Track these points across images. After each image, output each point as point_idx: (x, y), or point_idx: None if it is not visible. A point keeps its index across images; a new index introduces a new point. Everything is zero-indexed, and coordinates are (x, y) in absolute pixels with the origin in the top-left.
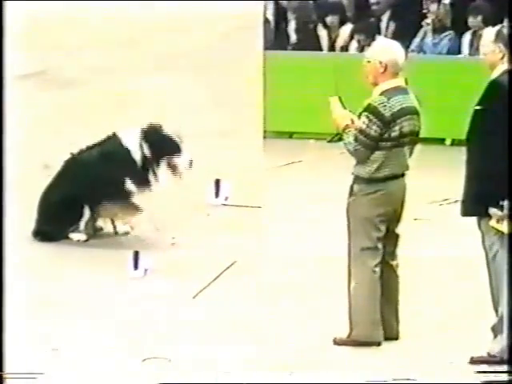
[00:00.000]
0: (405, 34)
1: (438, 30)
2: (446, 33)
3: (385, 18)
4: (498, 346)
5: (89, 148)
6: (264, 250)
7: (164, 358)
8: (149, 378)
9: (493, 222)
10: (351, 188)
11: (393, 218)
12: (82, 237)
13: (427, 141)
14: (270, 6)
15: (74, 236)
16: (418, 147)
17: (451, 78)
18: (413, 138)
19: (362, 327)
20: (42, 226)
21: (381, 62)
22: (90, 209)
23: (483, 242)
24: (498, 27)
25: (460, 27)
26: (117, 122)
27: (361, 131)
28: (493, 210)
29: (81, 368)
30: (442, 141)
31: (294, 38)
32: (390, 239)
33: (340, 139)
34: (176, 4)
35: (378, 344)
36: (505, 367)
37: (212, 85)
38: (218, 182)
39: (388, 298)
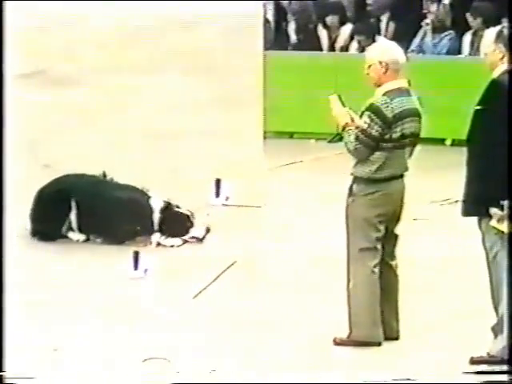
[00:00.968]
0: (405, 34)
1: (438, 30)
2: (446, 33)
3: (385, 18)
4: (498, 346)
5: (115, 181)
6: (264, 249)
7: (164, 359)
8: (149, 379)
9: (493, 222)
10: (350, 188)
11: (392, 219)
12: (81, 237)
13: (427, 141)
14: (270, 6)
15: (73, 236)
16: (419, 147)
17: (451, 79)
18: (413, 140)
19: (362, 327)
20: (36, 225)
21: (381, 63)
22: (76, 203)
23: (483, 242)
24: (498, 27)
25: (460, 27)
26: (116, 122)
27: (362, 130)
28: (493, 210)
29: (81, 368)
30: (442, 141)
31: (294, 38)
32: (389, 239)
33: (340, 139)
34: (176, 4)
35: (378, 344)
36: (505, 367)
37: (212, 85)
38: (218, 182)
39: (388, 298)
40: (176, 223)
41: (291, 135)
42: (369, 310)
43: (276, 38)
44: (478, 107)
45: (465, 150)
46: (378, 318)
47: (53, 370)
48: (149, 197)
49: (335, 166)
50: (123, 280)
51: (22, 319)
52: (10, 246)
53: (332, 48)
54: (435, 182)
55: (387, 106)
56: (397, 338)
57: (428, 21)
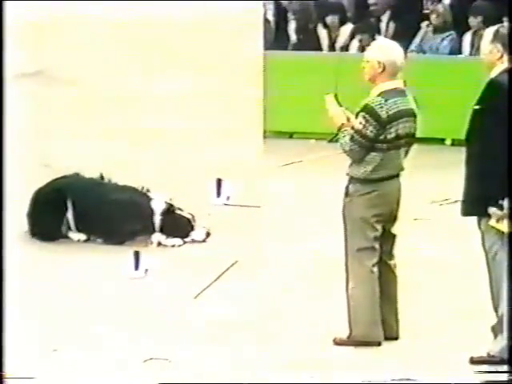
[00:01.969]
0: (405, 34)
1: (438, 30)
2: (447, 33)
3: (385, 18)
4: (497, 346)
5: (115, 183)
6: (264, 249)
7: (165, 359)
8: (149, 379)
9: (493, 222)
10: (346, 189)
11: (389, 218)
12: (82, 237)
13: (427, 141)
14: (270, 6)
15: (74, 236)
16: (419, 147)
17: (452, 78)
18: (409, 140)
19: (362, 327)
20: (37, 224)
21: (379, 62)
22: (72, 203)
23: (483, 241)
24: (496, 27)
25: (460, 27)
26: (116, 122)
27: (357, 131)
28: (492, 210)
29: (81, 369)
30: (442, 141)
31: (294, 38)
32: (387, 239)
33: None
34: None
35: (378, 344)
36: (505, 367)
37: (212, 85)
38: (219, 182)
39: (387, 298)
40: (177, 226)
41: (291, 135)
42: (368, 310)
43: (276, 38)
44: (477, 107)
45: (465, 149)
46: (378, 317)
47: (52, 370)
48: (150, 198)
49: (335, 165)
50: (124, 280)
51: (21, 319)
52: (10, 246)
53: (332, 48)
54: (435, 181)
55: (382, 107)
56: (396, 338)
57: (429, 21)
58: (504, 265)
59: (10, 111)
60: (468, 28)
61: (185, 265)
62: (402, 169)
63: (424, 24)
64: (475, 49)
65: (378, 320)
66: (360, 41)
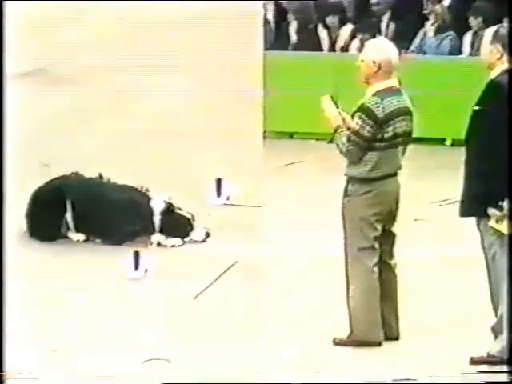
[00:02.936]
0: (405, 35)
1: (438, 30)
2: (447, 33)
3: (385, 18)
4: (497, 346)
5: (115, 183)
6: (265, 250)
7: (164, 360)
8: (149, 380)
9: (492, 223)
10: (345, 189)
11: (388, 217)
12: (81, 237)
13: (428, 141)
14: (270, 6)
15: (73, 236)
16: (419, 148)
17: (452, 79)
18: (406, 139)
19: (362, 327)
20: (35, 225)
21: (374, 62)
22: (72, 204)
23: (482, 242)
24: (496, 27)
25: (461, 27)
26: (116, 122)
27: (354, 132)
28: (492, 211)
29: (80, 369)
30: (442, 141)
31: (294, 38)
32: (387, 238)
33: None
34: (176, 4)
35: (379, 344)
36: (505, 367)
37: (212, 85)
38: (219, 182)
39: (387, 298)
40: (176, 226)
41: (291, 135)
42: (369, 310)
43: (276, 38)
44: (476, 107)
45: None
46: (378, 317)
47: (52, 370)
48: (149, 198)
49: (335, 166)
50: (123, 280)
51: (21, 319)
52: (10, 246)
53: (332, 48)
54: (435, 182)
55: (378, 106)
56: (397, 338)
57: (429, 21)
58: (503, 265)
59: (9, 110)
60: (468, 28)
61: (185, 265)
62: (399, 167)
63: (424, 24)
64: (475, 49)
65: (379, 320)
66: (360, 41)
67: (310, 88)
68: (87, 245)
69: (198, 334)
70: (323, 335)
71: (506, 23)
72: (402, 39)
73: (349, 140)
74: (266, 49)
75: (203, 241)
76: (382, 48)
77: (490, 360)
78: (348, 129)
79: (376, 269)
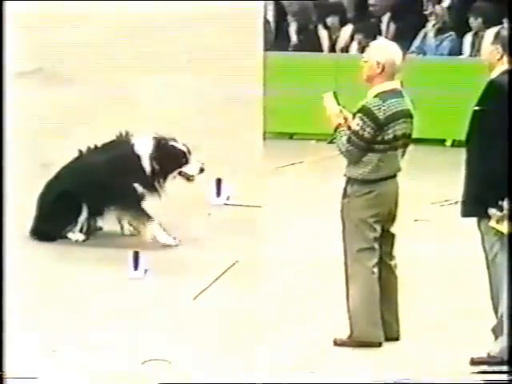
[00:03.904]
0: (406, 35)
1: (439, 31)
2: (447, 34)
3: (385, 19)
4: (498, 346)
5: (98, 147)
6: (265, 250)
7: (164, 360)
8: (149, 381)
9: (492, 223)
10: (345, 190)
11: (388, 218)
12: (80, 237)
13: (428, 142)
14: (271, 7)
15: (72, 236)
16: (419, 148)
17: (452, 79)
18: (406, 141)
19: (363, 328)
20: (39, 224)
21: (378, 63)
22: (88, 208)
23: (483, 243)
24: (497, 28)
25: (461, 28)
26: (115, 121)
27: (354, 132)
28: (492, 211)
29: (80, 370)
30: (442, 142)
31: (294, 39)
32: (387, 239)
33: None
34: (176, 4)
35: (379, 345)
36: (505, 368)
37: (212, 85)
38: (219, 182)
39: (387, 299)
40: (169, 157)
41: (291, 136)
42: (369, 311)
43: (276, 39)
44: (477, 108)
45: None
46: (379, 318)
47: (52, 370)
48: (132, 144)
49: (336, 166)
50: (123, 280)
51: (21, 320)
52: (10, 246)
53: (332, 49)
54: (436, 182)
55: (379, 108)
56: (397, 339)
57: (429, 22)
58: (504, 266)
59: (9, 110)
60: (468, 29)
61: (184, 265)
62: (399, 169)
63: (425, 25)
64: (476, 50)
65: (379, 321)
66: (360, 42)
67: (310, 88)
68: (87, 245)
69: (197, 335)
70: (323, 336)
71: (506, 24)
72: (403, 40)
73: (349, 140)
74: (266, 49)
75: (193, 178)
76: (386, 49)
77: (490, 361)
78: (349, 128)
79: (376, 269)
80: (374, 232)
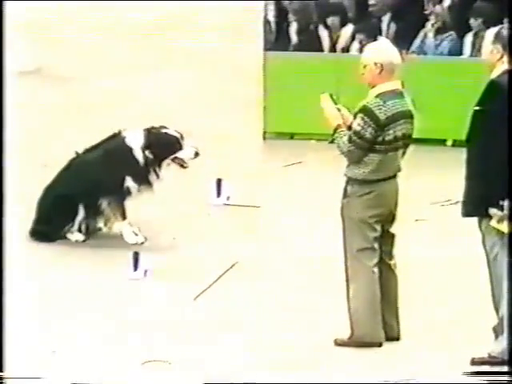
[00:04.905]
0: (406, 35)
1: (439, 31)
2: (447, 34)
3: (386, 19)
4: (499, 346)
5: (93, 147)
6: (265, 250)
7: (164, 361)
8: (149, 381)
9: (493, 223)
10: (345, 190)
11: (388, 218)
12: (80, 237)
13: (429, 142)
14: (271, 7)
15: (72, 236)
16: (420, 148)
17: (452, 79)
18: (406, 141)
19: (363, 328)
20: (38, 225)
21: (376, 64)
22: (84, 208)
23: (484, 242)
24: (497, 28)
25: (461, 28)
26: (115, 121)
27: (355, 132)
28: (493, 211)
29: (80, 371)
30: (443, 142)
31: (295, 39)
32: (387, 239)
33: None
34: (176, 4)
35: (379, 345)
36: (505, 368)
37: (212, 85)
38: (219, 182)
39: (388, 299)
40: (162, 144)
41: (292, 136)
42: (369, 311)
43: (277, 39)
44: (477, 108)
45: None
46: (379, 318)
47: (51, 371)
48: (123, 137)
49: (336, 166)
50: (123, 281)
51: (21, 320)
52: (10, 246)
53: (333, 49)
54: (436, 182)
55: (380, 109)
56: (398, 339)
57: (429, 22)
58: (505, 265)
59: (9, 110)
60: (469, 29)
61: (184, 266)
62: (399, 170)
63: (425, 25)
64: (476, 50)
65: (379, 321)
66: (361, 42)
67: (311, 89)
68: (87, 245)
69: (197, 336)
70: (324, 336)
71: (506, 24)
72: (403, 40)
73: (350, 140)
74: (267, 49)
75: (187, 164)
76: (382, 49)
77: (490, 361)
78: (348, 128)
79: (376, 269)
80: (374, 232)
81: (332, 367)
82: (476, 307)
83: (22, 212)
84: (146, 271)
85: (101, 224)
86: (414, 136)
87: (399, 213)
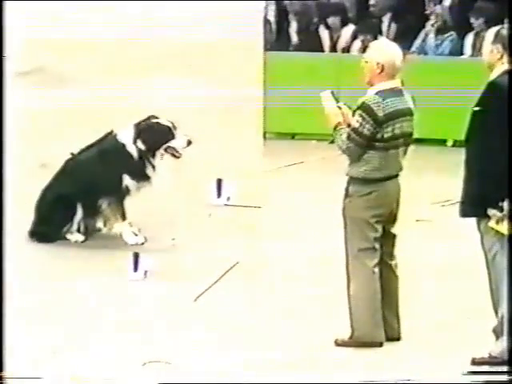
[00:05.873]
0: (406, 35)
1: (440, 31)
2: (448, 34)
3: (386, 19)
4: (499, 347)
5: (88, 147)
6: (265, 250)
7: (164, 362)
8: (149, 382)
9: (492, 223)
10: (346, 189)
11: (389, 219)
12: (79, 237)
13: (429, 142)
14: (272, 7)
15: (71, 237)
16: (420, 148)
17: (453, 79)
18: (407, 140)
19: (364, 328)
20: (37, 226)
21: (378, 63)
22: (82, 207)
23: (482, 243)
24: (497, 28)
25: (462, 28)
26: (115, 121)
27: (354, 129)
28: (492, 211)
29: (80, 371)
30: (443, 142)
31: (295, 39)
32: (388, 239)
33: None
34: (177, 5)
35: (380, 345)
36: (505, 368)
37: (213, 85)
38: (219, 182)
39: (388, 299)
40: (153, 133)
41: (293, 136)
42: (370, 311)
43: (277, 39)
44: (476, 108)
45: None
46: (380, 318)
47: (51, 371)
48: (115, 135)
49: (336, 166)
50: (123, 282)
51: (21, 320)
52: (10, 246)
53: (333, 49)
54: (437, 183)
55: (379, 106)
56: (398, 339)
57: (430, 22)
58: (503, 266)
59: (8, 110)
60: (470, 29)
61: (185, 266)
62: (401, 169)
63: (426, 25)
64: (477, 50)
65: (380, 321)
66: (361, 42)
67: (311, 89)
68: (87, 246)
69: (198, 336)
70: (324, 336)
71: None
72: (404, 40)
73: (349, 137)
74: (267, 49)
75: (180, 154)
76: (386, 50)
77: (491, 361)
78: (348, 126)
79: (377, 269)
80: (375, 232)
81: (332, 367)
82: (476, 307)
83: (22, 212)
84: (146, 272)
85: (100, 224)
86: (415, 136)
87: (400, 213)
